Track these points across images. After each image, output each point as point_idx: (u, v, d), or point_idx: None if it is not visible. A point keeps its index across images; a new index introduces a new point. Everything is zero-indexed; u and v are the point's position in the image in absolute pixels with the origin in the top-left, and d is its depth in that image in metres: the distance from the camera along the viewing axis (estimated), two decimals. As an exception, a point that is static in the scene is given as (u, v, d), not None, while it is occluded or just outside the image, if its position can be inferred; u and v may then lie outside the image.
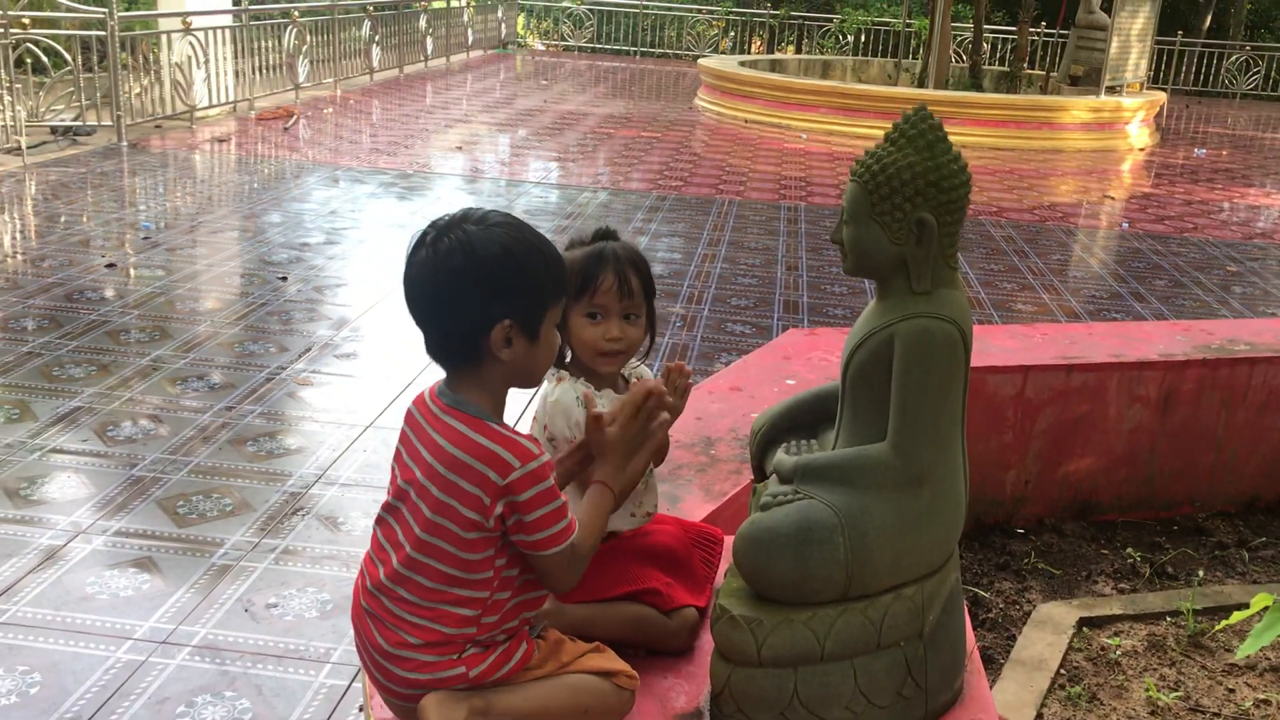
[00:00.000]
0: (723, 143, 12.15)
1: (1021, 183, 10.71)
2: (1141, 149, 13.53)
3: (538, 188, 8.90)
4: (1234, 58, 20.94)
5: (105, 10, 9.24)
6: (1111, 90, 13.83)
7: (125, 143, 9.37)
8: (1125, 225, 8.85)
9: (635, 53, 22.34)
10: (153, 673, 2.60)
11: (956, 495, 1.82)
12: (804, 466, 1.81)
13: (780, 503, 1.77)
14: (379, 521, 1.69)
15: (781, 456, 1.89)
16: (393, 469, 1.70)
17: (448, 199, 8.28)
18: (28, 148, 8.38)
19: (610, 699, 1.69)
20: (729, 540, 2.20)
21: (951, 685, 1.87)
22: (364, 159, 9.62)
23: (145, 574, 3.00)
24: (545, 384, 2.15)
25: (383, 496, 3.37)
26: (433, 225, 1.61)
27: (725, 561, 2.16)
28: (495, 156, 10.46)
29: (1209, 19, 22.58)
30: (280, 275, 5.85)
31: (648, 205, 8.41)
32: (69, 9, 9.40)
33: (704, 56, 21.28)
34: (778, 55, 19.69)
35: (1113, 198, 10.35)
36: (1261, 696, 2.75)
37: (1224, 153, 13.69)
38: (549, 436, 2.01)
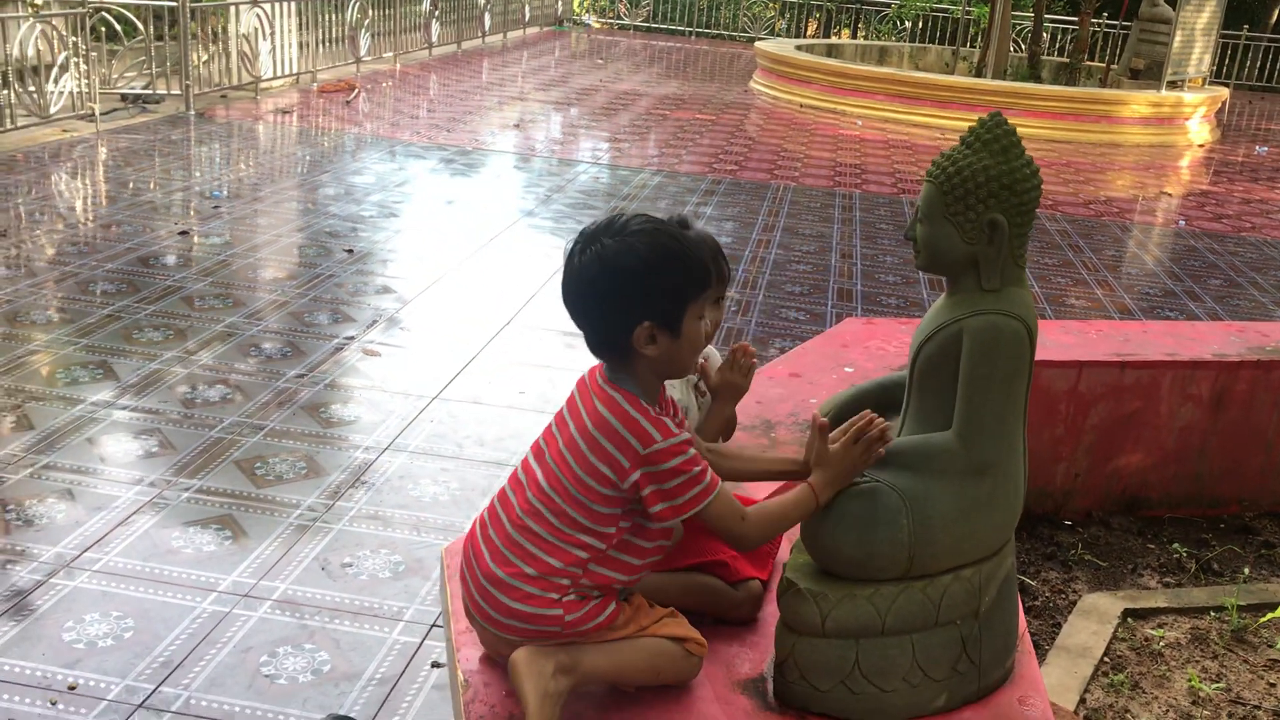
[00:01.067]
0: (778, 127, 12.18)
1: (1078, 176, 10.66)
2: (1201, 145, 13.39)
3: (592, 168, 9.01)
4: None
5: (178, -19, 9.45)
6: (1173, 85, 13.68)
7: (193, 112, 9.58)
8: (1182, 223, 8.81)
9: (690, 33, 22.34)
10: (236, 623, 2.76)
11: (1016, 484, 1.92)
12: (872, 452, 1.90)
13: (851, 487, 1.87)
14: (522, 463, 1.83)
15: (848, 442, 1.99)
16: (550, 423, 1.83)
17: (505, 177, 8.40)
18: (100, 114, 8.60)
19: (681, 663, 1.81)
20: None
21: (1003, 664, 1.97)
22: (423, 134, 9.76)
23: (226, 530, 3.16)
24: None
25: (450, 466, 3.50)
26: (581, 234, 1.75)
27: (786, 538, 2.27)
28: (550, 135, 10.58)
29: (1276, 13, 22.16)
30: (346, 248, 6.00)
31: (702, 189, 8.49)
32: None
33: (760, 39, 21.25)
34: (834, 40, 19.61)
35: (1170, 194, 10.28)
36: (1302, 692, 2.82)
37: (1286, 151, 13.51)
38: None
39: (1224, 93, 14.62)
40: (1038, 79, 14.94)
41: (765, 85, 14.87)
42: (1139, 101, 13.14)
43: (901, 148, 11.33)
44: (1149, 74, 14.53)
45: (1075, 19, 18.69)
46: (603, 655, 1.73)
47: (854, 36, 21.99)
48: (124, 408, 3.86)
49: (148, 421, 3.78)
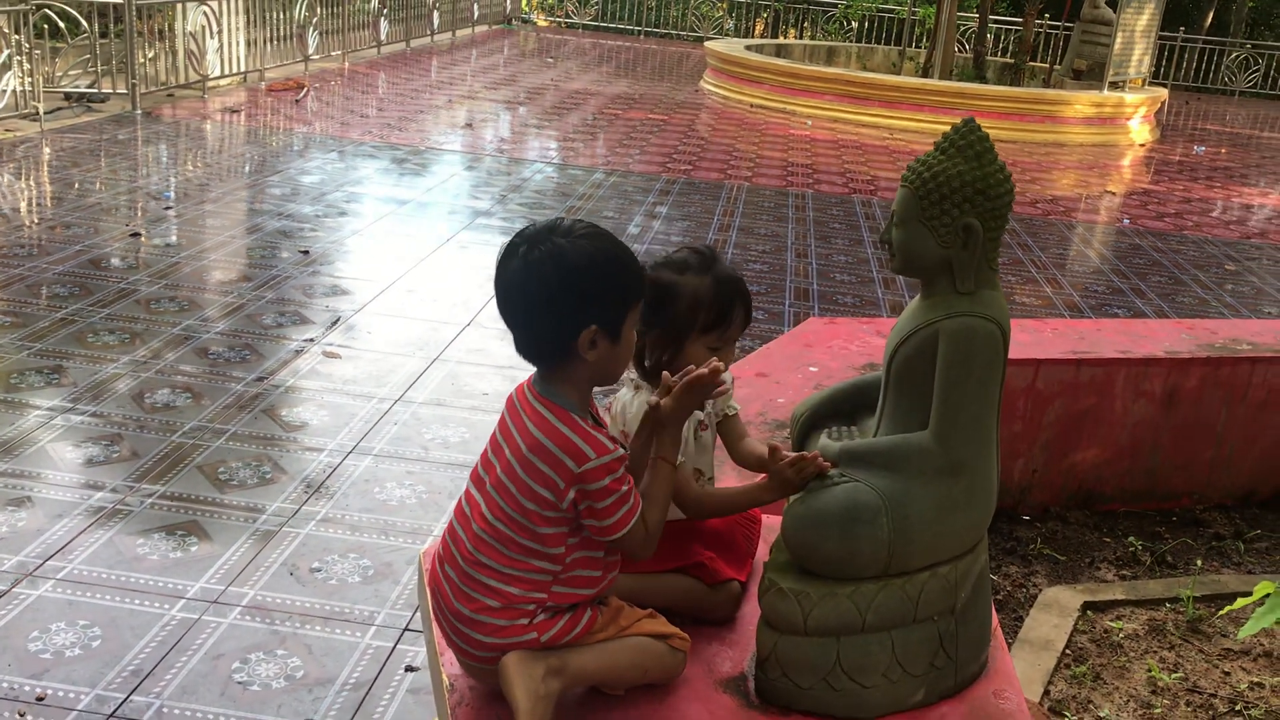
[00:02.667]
0: (729, 127, 12.25)
1: (1024, 175, 10.84)
2: (1142, 144, 13.67)
3: (545, 168, 9.00)
4: (1234, 55, 21.10)
5: (122, -22, 9.29)
6: (1114, 86, 13.95)
7: (139, 111, 9.43)
8: (1126, 221, 8.99)
9: (639, 32, 22.37)
10: (206, 630, 2.73)
11: (990, 483, 1.96)
12: (849, 452, 1.94)
13: (827, 485, 1.90)
14: (465, 492, 1.82)
15: (826, 442, 2.02)
16: (485, 447, 1.82)
17: (458, 176, 8.37)
18: (44, 114, 8.44)
19: (666, 659, 1.83)
20: (767, 519, 2.34)
21: (979, 658, 2.01)
22: (374, 133, 9.69)
23: (192, 537, 3.13)
24: (625, 391, 2.27)
25: (415, 469, 3.49)
26: (522, 236, 1.74)
27: (764, 539, 2.30)
28: (502, 134, 10.55)
29: (1210, 16, 22.68)
30: (301, 249, 5.95)
31: (657, 188, 8.52)
32: (86, -25, 9.44)
33: (708, 38, 21.33)
34: (783, 40, 19.74)
35: (1113, 193, 10.49)
36: (1255, 679, 2.90)
37: (1223, 150, 13.84)
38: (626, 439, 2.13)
39: (1163, 93, 14.94)
40: (983, 79, 15.16)
41: (715, 85, 14.94)
42: (1082, 102, 13.39)
43: (851, 147, 11.45)
44: (1091, 75, 14.80)
45: (1019, 20, 19.00)
46: (590, 656, 1.74)
47: (800, 36, 22.15)
48: (81, 413, 3.80)
49: (106, 427, 3.73)
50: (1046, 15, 19.12)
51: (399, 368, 4.48)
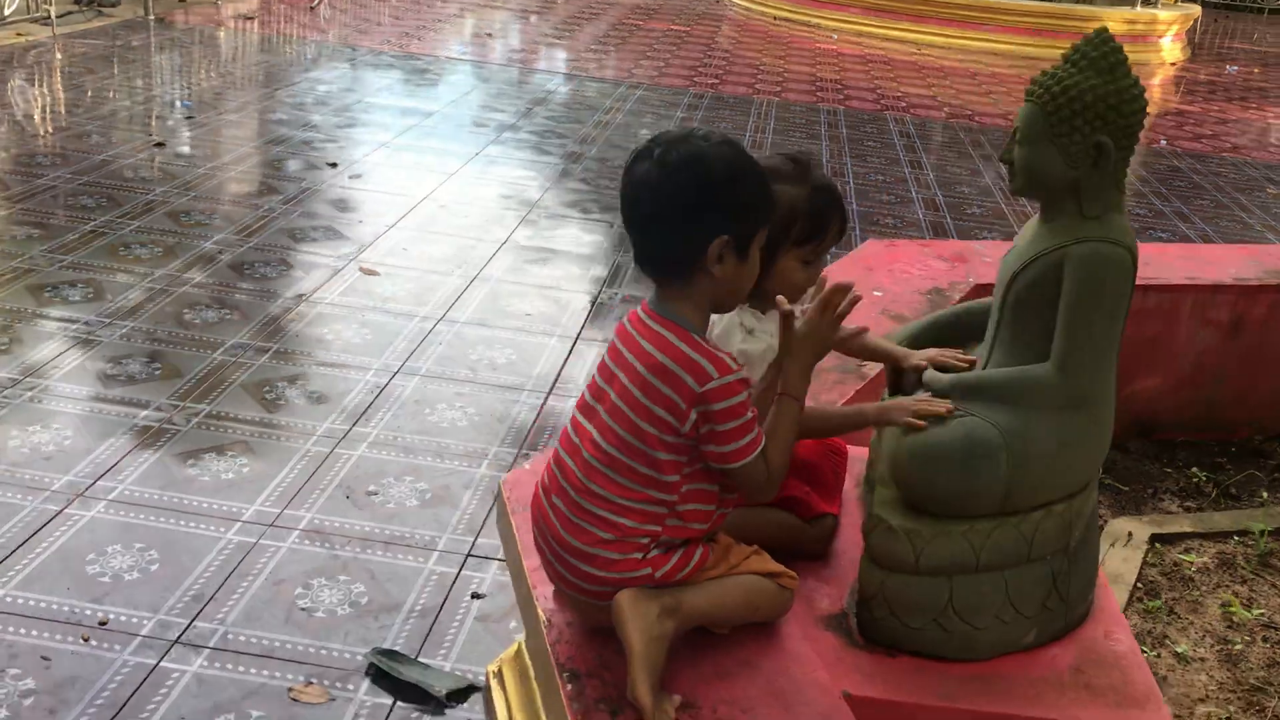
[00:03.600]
0: (753, 40, 11.95)
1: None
2: (1173, 63, 13.35)
3: (570, 80, 8.77)
4: (1266, -29, 20.52)
5: (133, -124, 8.96)
6: (1147, 2, 13.57)
7: (152, 16, 9.17)
8: (1163, 142, 8.78)
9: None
10: (265, 554, 2.67)
11: (1109, 417, 1.87)
12: (963, 384, 1.85)
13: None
14: (572, 421, 1.73)
15: (934, 373, 1.93)
16: (594, 374, 1.73)
17: (480, 88, 8.16)
18: (56, 18, 8.20)
19: (775, 598, 1.76)
20: (853, 450, 2.25)
21: (1087, 598, 1.94)
22: (393, 43, 9.44)
23: (242, 458, 3.05)
24: (722, 328, 2.16)
25: (465, 390, 3.41)
26: (657, 140, 1.63)
27: (852, 472, 2.22)
28: (522, 45, 10.29)
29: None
30: (330, 162, 5.80)
31: (685, 103, 8.31)
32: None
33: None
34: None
35: (1165, 142, 10.23)
36: (1332, 616, 2.85)
37: (1256, 70, 13.51)
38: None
39: (1196, 10, 14.55)
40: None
41: (736, -4, 14.56)
42: (1114, 18, 13.01)
43: (879, 63, 11.17)
44: (1123, -10, 14.38)
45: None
46: (703, 595, 1.67)
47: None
48: (118, 328, 3.71)
49: (145, 343, 3.63)
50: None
51: (438, 286, 4.37)
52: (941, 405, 1.82)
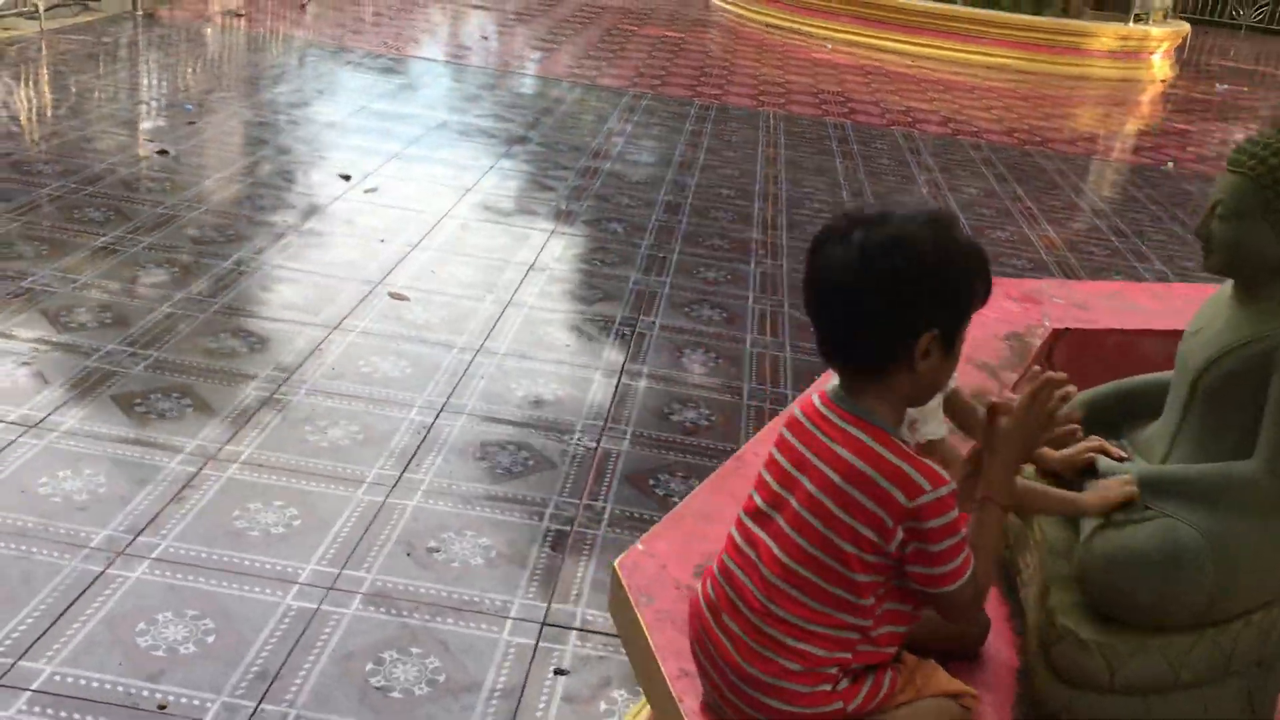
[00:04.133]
0: (748, 48, 11.81)
1: (1057, 110, 10.53)
2: (1163, 80, 13.36)
3: (573, 89, 8.57)
4: (1244, -11, 20.68)
5: None
6: (1138, 18, 13.58)
7: (140, 11, 8.86)
8: (1171, 165, 8.73)
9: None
10: (329, 623, 2.47)
11: (1310, 518, 1.72)
12: (1153, 480, 1.69)
13: (1135, 519, 1.65)
14: (740, 528, 1.55)
15: (1111, 463, 1.77)
16: (762, 474, 1.55)
17: (485, 97, 7.95)
18: (44, 11, 7.88)
19: (959, 720, 1.59)
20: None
21: (1274, 712, 1.79)
22: (389, 44, 9.20)
23: (291, 508, 2.84)
24: None
25: (516, 435, 3.21)
26: (851, 218, 1.46)
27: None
28: (521, 50, 10.07)
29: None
30: (342, 174, 5.57)
31: (692, 114, 8.14)
32: None
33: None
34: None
35: (1172, 164, 10.18)
36: None
37: (1245, 88, 13.56)
38: None
39: (1186, 28, 14.59)
40: (996, 4, 14.71)
41: (727, 2, 14.41)
42: (1107, 35, 13.03)
43: (877, 74, 11.06)
44: (1113, 5, 14.41)
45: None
46: (892, 728, 1.50)
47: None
48: (143, 359, 3.48)
49: (173, 376, 3.41)
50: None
51: (472, 313, 4.17)
52: (1125, 490, 1.67)
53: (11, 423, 3.04)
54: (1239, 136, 10.29)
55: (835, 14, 13.02)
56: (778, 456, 1.54)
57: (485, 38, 10.37)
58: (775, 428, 1.78)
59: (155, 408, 3.22)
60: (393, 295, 4.23)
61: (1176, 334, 3.49)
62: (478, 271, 4.59)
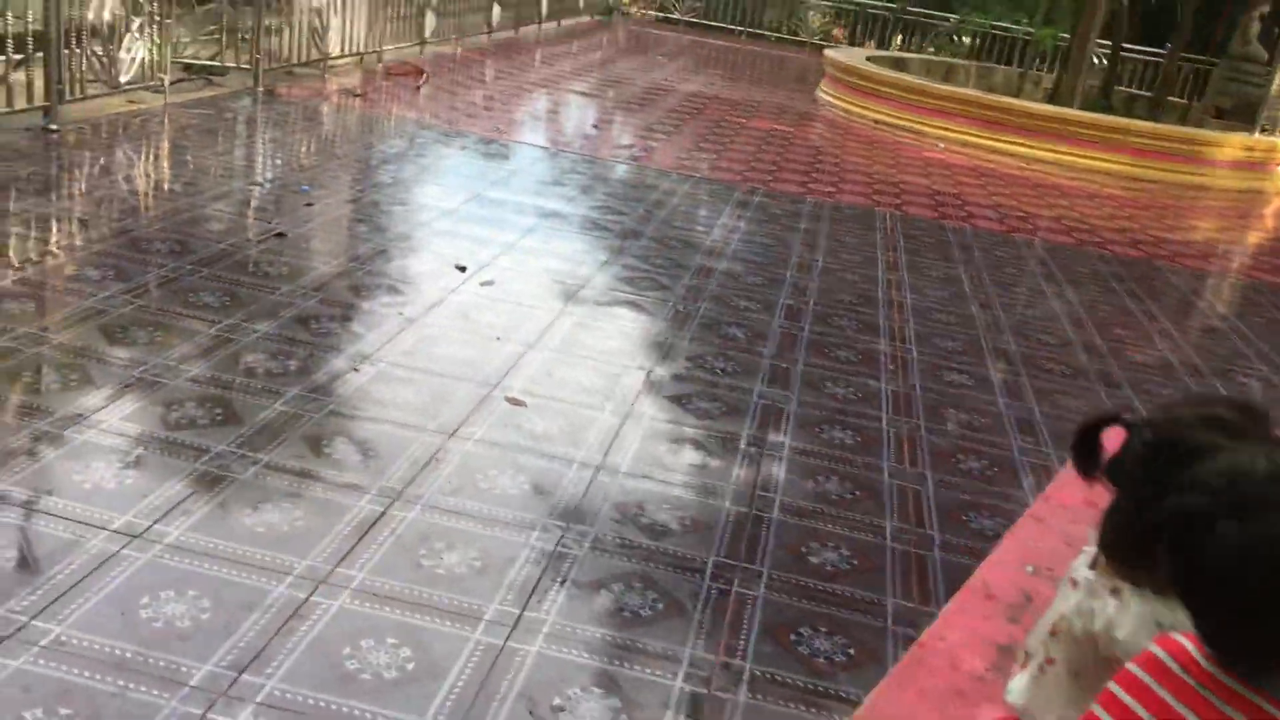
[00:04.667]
0: (858, 145, 11.62)
1: (1181, 222, 10.14)
2: (1289, 193, 12.87)
3: (684, 182, 8.42)
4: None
5: (256, -52, 8.84)
6: (1264, 130, 13.14)
7: (261, 88, 8.98)
8: (1311, 285, 8.26)
9: (741, 33, 21.72)
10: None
11: None
12: None
13: None
14: None
15: None
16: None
17: (598, 187, 7.83)
18: (168, 86, 8.00)
19: None
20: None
21: None
22: (503, 130, 9.18)
23: (407, 649, 2.60)
24: (1082, 567, 1.74)
25: (642, 567, 2.92)
26: (1234, 491, 1.20)
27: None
28: (632, 140, 10.00)
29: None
30: (459, 266, 5.43)
31: (805, 211, 7.93)
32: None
33: (814, 42, 20.73)
34: (901, 53, 19.01)
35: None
36: None
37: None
38: (1067, 642, 1.59)
39: (1314, 140, 14.08)
40: (1110, 109, 14.39)
41: (833, 96, 14.31)
42: (1232, 144, 12.61)
43: (992, 176, 10.78)
44: (1235, 114, 14.00)
45: (1150, 49, 18.16)
46: None
47: (905, 47, 21.37)
48: (256, 465, 3.30)
49: (287, 483, 3.22)
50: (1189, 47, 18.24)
51: (590, 423, 3.94)
52: None
53: (115, 531, 2.86)
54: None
55: (948, 113, 12.80)
56: (1136, 708, 1.25)
57: (596, 126, 10.34)
58: (994, 628, 1.49)
59: (264, 519, 3.02)
60: (510, 400, 4.02)
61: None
62: (594, 376, 4.38)
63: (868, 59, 15.16)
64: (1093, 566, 1.86)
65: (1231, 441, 1.53)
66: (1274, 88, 12.90)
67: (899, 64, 16.24)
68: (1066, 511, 2.69)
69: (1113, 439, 1.84)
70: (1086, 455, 1.81)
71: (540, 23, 16.99)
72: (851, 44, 21.07)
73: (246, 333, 4.22)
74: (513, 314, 4.91)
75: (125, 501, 3.00)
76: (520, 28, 16.12)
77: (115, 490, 3.05)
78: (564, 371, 4.37)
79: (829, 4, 21.97)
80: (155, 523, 2.92)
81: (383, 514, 3.14)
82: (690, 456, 3.83)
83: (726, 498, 3.58)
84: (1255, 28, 14.27)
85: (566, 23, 18.54)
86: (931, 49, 21.16)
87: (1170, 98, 16.04)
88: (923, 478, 3.95)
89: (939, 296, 6.27)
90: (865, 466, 3.96)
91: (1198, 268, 8.38)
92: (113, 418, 3.43)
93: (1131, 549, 1.75)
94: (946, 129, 12.66)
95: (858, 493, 3.76)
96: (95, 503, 2.97)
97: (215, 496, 3.10)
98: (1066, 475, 2.97)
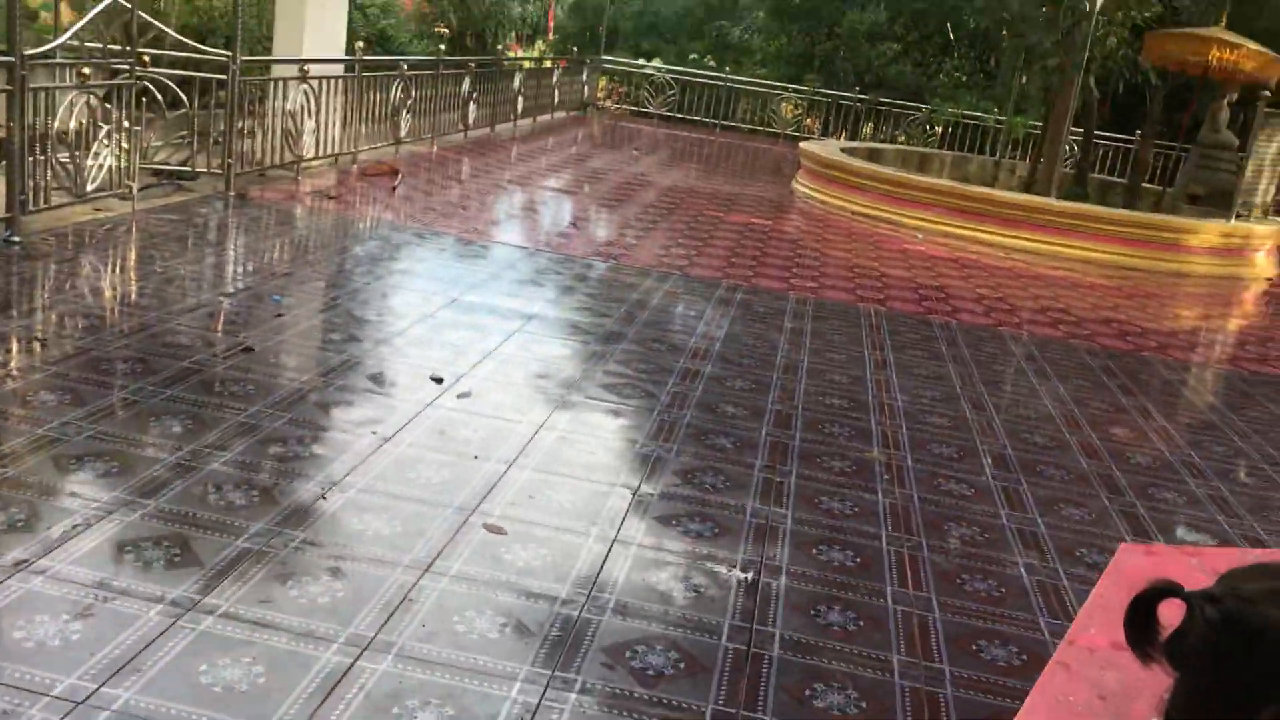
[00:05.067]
0: (837, 238, 11.58)
1: (1165, 311, 10.08)
2: (1268, 279, 12.88)
3: (664, 280, 8.29)
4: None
5: (230, 54, 8.77)
6: (1239, 216, 13.20)
7: (233, 193, 8.85)
8: (1301, 375, 8.16)
9: (715, 125, 21.92)
10: None
11: None
12: None
13: None
14: None
15: None
16: None
17: (579, 288, 7.68)
18: (137, 192, 7.85)
19: None
20: None
21: None
22: (479, 231, 9.07)
23: (374, 829, 2.34)
24: None
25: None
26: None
27: None
28: (608, 237, 9.90)
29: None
30: (435, 376, 5.23)
31: (788, 309, 7.80)
32: (194, 49, 8.94)
33: (788, 133, 20.94)
34: (876, 144, 19.17)
35: None
36: None
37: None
38: None
39: (1287, 225, 14.16)
40: (1085, 197, 14.46)
41: (810, 188, 14.33)
42: (1210, 231, 12.64)
43: (975, 268, 10.73)
44: (1209, 201, 14.09)
45: (1122, 137, 18.41)
46: None
47: (876, 136, 21.60)
48: (213, 614, 3.05)
49: (247, 634, 2.97)
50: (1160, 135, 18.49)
51: (575, 552, 3.71)
52: None
53: (57, 697, 2.59)
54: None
55: (925, 204, 12.81)
56: None
57: (574, 224, 10.25)
58: None
59: (222, 676, 2.76)
60: (489, 528, 3.79)
61: None
62: (578, 497, 4.16)
63: (842, 150, 15.24)
64: None
65: None
66: (1247, 174, 12.98)
67: (874, 154, 16.35)
68: (1094, 657, 2.48)
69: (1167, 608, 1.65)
70: (1143, 632, 1.61)
71: (516, 119, 17.06)
72: (824, 134, 21.28)
73: (209, 460, 3.99)
74: (491, 429, 4.69)
75: (70, 661, 2.74)
76: (496, 125, 16.17)
77: (59, 649, 2.79)
78: (546, 493, 4.15)
79: (801, 95, 22.24)
80: (102, 685, 2.66)
81: (351, 666, 2.89)
82: (682, 587, 3.60)
83: (723, 634, 3.34)
84: (1225, 115, 14.44)
85: (542, 119, 18.65)
86: (903, 138, 21.41)
87: (1144, 184, 16.18)
88: (928, 603, 3.72)
89: (929, 397, 6.11)
90: (867, 592, 3.74)
91: (1186, 359, 8.28)
92: (60, 563, 3.18)
93: None
94: (925, 220, 12.66)
95: (861, 622, 3.53)
96: (37, 664, 2.71)
97: (170, 651, 2.84)
98: (1088, 612, 2.76)
